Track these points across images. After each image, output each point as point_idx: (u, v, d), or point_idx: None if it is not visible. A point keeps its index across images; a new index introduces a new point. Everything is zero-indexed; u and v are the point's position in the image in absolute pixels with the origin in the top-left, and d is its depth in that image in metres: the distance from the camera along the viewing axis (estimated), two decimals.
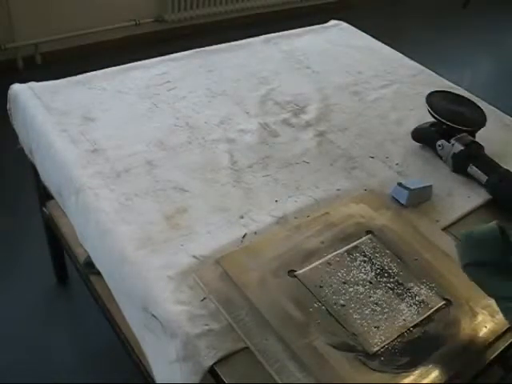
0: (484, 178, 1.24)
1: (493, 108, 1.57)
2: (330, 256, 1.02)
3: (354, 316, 0.91)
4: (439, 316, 0.93)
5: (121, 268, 1.00)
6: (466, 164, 1.27)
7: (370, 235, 1.08)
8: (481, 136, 1.32)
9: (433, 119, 1.34)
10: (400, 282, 0.99)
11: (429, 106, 1.34)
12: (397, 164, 1.31)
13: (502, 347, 0.90)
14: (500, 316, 0.93)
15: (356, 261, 1.02)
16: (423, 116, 1.38)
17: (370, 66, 1.73)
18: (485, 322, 0.93)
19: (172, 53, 1.65)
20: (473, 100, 1.44)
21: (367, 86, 1.62)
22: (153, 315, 0.91)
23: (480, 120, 1.35)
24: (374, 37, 1.94)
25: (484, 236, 0.82)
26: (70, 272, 1.85)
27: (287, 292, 0.94)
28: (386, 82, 1.65)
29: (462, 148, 1.27)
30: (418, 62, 1.80)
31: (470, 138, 1.30)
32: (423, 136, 1.37)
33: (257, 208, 1.12)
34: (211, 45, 1.72)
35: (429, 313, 0.93)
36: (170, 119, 1.36)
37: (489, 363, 0.88)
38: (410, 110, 1.52)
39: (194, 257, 0.99)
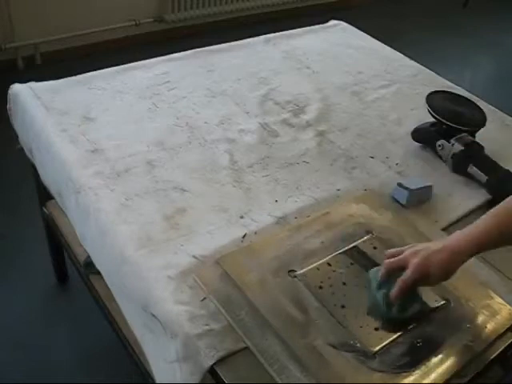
0: (484, 178, 1.24)
1: (493, 108, 1.57)
2: (329, 256, 1.02)
3: (354, 316, 0.91)
4: (439, 316, 0.93)
5: (121, 268, 1.00)
6: (466, 164, 1.27)
7: (369, 235, 1.08)
8: (481, 136, 1.32)
9: (433, 119, 1.34)
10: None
11: (429, 106, 1.34)
12: (397, 164, 1.31)
13: (502, 347, 0.90)
14: (500, 316, 0.94)
15: (356, 261, 1.02)
16: (423, 116, 1.38)
17: (370, 65, 1.73)
18: (485, 322, 0.93)
19: (172, 53, 1.65)
20: (473, 100, 1.44)
21: (367, 85, 1.62)
22: (153, 315, 0.91)
23: (480, 120, 1.35)
24: (373, 37, 1.94)
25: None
26: (70, 272, 1.85)
27: (287, 292, 0.94)
28: (386, 82, 1.65)
29: (462, 148, 1.27)
30: (417, 62, 1.80)
31: (470, 138, 1.30)
32: (423, 136, 1.37)
33: (257, 208, 1.12)
34: (211, 45, 1.72)
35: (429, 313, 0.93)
36: (170, 119, 1.36)
37: (489, 363, 0.88)
38: (410, 110, 1.52)
39: (194, 257, 0.99)
